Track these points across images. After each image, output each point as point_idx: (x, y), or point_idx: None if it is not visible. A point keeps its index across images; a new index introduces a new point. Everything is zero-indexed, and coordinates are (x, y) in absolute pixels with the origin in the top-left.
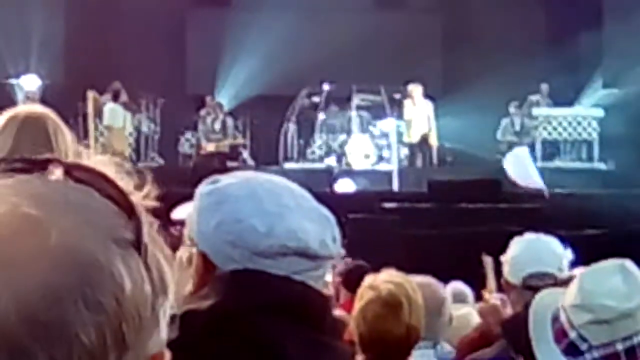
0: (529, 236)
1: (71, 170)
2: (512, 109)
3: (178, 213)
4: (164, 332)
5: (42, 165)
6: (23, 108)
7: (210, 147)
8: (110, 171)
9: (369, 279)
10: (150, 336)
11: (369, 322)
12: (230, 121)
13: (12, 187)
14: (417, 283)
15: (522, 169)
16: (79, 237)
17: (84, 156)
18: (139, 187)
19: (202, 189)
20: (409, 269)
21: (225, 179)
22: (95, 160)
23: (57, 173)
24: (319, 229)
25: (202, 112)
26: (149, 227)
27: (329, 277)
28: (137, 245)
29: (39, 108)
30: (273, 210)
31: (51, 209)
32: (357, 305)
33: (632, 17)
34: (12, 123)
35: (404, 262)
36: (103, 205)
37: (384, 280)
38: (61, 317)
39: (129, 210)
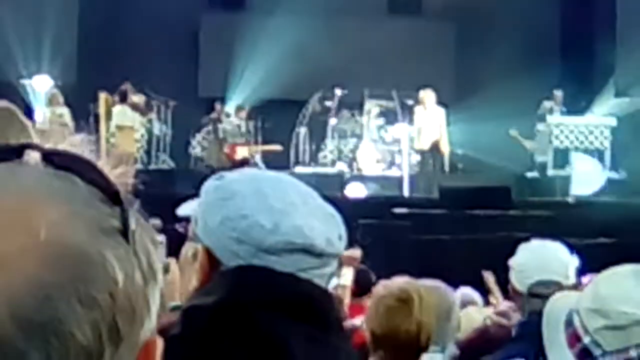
0: (535, 243)
1: (50, 156)
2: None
3: (183, 209)
4: (154, 317)
5: (18, 152)
6: None
7: (243, 152)
8: (86, 152)
9: (382, 283)
10: (142, 324)
11: (380, 315)
12: (252, 125)
13: None
14: (426, 287)
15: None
16: (68, 230)
17: (57, 134)
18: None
19: (208, 185)
20: (419, 274)
21: (230, 175)
22: (69, 140)
23: (34, 159)
24: (325, 226)
25: (220, 116)
26: (133, 210)
27: (346, 281)
28: (125, 232)
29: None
30: (279, 207)
31: (37, 201)
32: (370, 302)
33: None
34: None
35: (414, 268)
36: (87, 193)
37: (396, 281)
38: (55, 316)
39: (113, 195)
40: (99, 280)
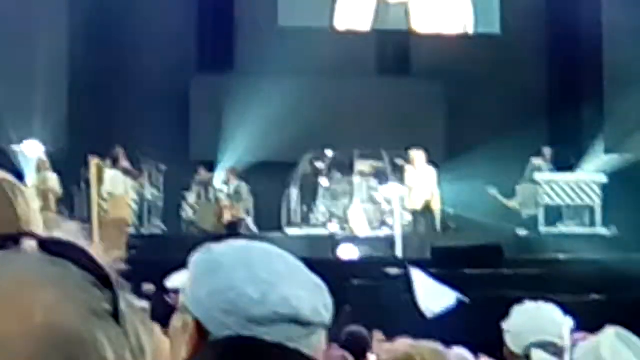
0: (529, 305)
1: (45, 244)
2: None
3: (172, 281)
4: None
5: (15, 240)
6: None
7: (227, 216)
8: (81, 239)
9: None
10: None
11: None
12: (244, 186)
13: None
14: (429, 350)
15: (428, 293)
16: (62, 313)
17: (51, 222)
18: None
19: (196, 256)
20: (413, 334)
21: (218, 247)
22: (65, 227)
23: (31, 247)
24: (312, 296)
25: (205, 180)
26: (124, 294)
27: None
28: (116, 314)
29: None
30: (266, 278)
31: (33, 286)
32: None
33: (634, 83)
34: None
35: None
36: (80, 278)
37: (397, 344)
38: None
39: (105, 280)
40: None
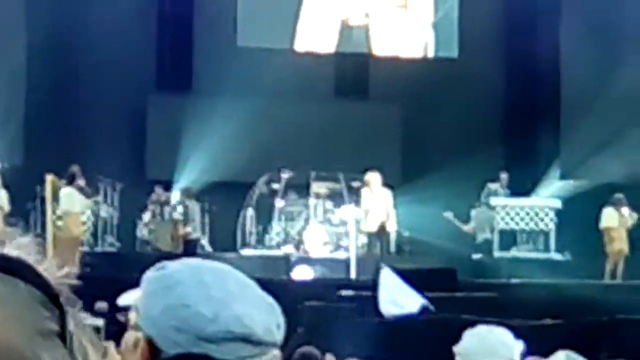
0: (481, 328)
1: None
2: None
3: (124, 299)
4: None
5: None
6: None
7: (181, 236)
8: (32, 254)
9: None
10: None
11: None
12: (196, 207)
13: None
14: None
15: (393, 295)
16: (7, 333)
17: (3, 236)
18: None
19: (150, 274)
20: (365, 356)
21: (172, 265)
22: (18, 242)
23: None
24: (264, 316)
25: (160, 198)
26: (74, 313)
27: None
28: (63, 335)
29: None
30: (219, 297)
31: None
32: None
33: (589, 110)
34: None
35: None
36: (28, 296)
37: None
38: None
39: (54, 299)
40: None
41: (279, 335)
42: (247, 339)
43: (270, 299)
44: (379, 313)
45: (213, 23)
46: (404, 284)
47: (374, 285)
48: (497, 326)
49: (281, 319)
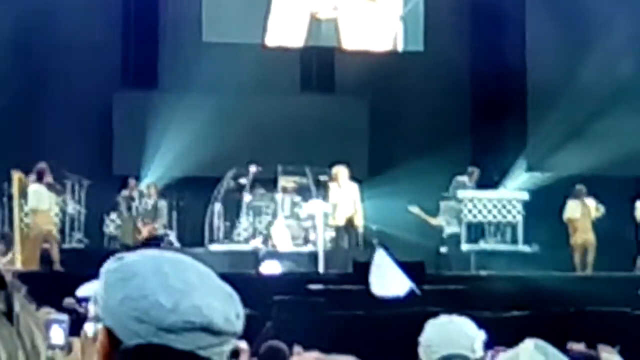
0: (442, 318)
1: None
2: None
3: (83, 290)
4: None
5: None
6: None
7: (144, 232)
8: None
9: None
10: None
11: None
12: (163, 203)
13: None
14: None
15: (384, 277)
16: None
17: None
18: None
19: (108, 265)
20: (334, 349)
21: (130, 256)
22: None
23: None
24: (224, 306)
25: (132, 193)
26: (20, 297)
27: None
28: (9, 314)
29: None
30: (178, 287)
31: None
32: None
33: (556, 103)
34: None
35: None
36: None
37: (307, 357)
38: None
39: (0, 281)
40: None
41: (238, 325)
42: (206, 329)
43: (229, 289)
44: (369, 293)
45: (178, 19)
46: (395, 267)
47: (366, 266)
48: (459, 316)
49: (240, 309)
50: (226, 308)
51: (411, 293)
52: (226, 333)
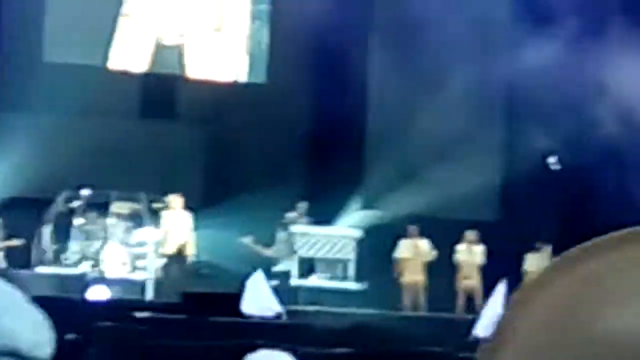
0: (262, 352)
1: None
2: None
3: None
4: None
5: None
6: None
7: None
8: None
9: None
10: None
11: None
12: None
13: None
14: None
15: (257, 297)
16: None
17: None
18: None
19: None
20: None
21: None
22: None
23: None
24: (33, 330)
25: None
26: None
27: None
28: None
29: None
30: None
31: None
32: None
33: (393, 143)
34: None
35: None
36: None
37: None
38: None
39: None
40: None
41: (48, 351)
42: (14, 354)
43: (39, 314)
44: (239, 312)
45: (19, 38)
46: (269, 291)
47: (195, 296)
48: (279, 351)
49: (52, 335)
50: (36, 333)
51: (278, 316)
52: (34, 359)
